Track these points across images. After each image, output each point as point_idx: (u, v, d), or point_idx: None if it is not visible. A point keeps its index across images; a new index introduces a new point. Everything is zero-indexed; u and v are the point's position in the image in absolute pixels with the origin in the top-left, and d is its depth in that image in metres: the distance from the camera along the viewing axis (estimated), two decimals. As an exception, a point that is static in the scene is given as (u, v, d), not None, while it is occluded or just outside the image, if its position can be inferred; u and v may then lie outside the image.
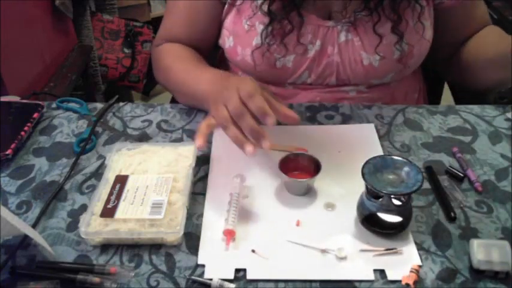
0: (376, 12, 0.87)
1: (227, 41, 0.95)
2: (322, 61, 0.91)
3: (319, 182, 0.73)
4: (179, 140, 0.84)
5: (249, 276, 0.61)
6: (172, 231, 0.64)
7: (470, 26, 0.98)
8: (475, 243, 0.62)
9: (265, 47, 0.89)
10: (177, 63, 0.93)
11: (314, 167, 0.72)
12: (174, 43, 0.98)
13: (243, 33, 0.91)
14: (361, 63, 0.90)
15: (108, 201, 0.68)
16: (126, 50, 2.11)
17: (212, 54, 1.05)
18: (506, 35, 0.93)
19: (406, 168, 0.64)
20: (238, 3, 0.91)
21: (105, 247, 0.65)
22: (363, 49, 0.89)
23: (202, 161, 0.78)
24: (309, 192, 0.72)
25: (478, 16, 0.98)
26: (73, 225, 0.68)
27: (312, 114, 0.89)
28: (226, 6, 0.93)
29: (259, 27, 0.88)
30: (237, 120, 0.68)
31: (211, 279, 0.60)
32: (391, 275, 0.60)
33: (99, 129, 0.86)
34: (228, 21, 0.93)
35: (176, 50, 0.97)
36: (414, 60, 0.92)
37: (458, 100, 1.15)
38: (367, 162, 0.64)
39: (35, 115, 0.87)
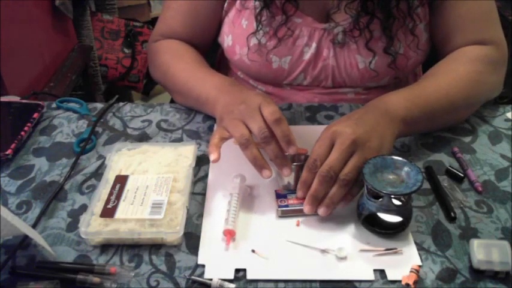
0: (368, 30, 0.85)
1: (226, 40, 0.94)
2: (318, 64, 0.91)
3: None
4: (179, 140, 0.84)
5: (249, 276, 0.61)
6: (172, 231, 0.64)
7: (448, 29, 0.88)
8: (475, 243, 0.62)
9: (260, 35, 0.88)
10: (176, 61, 0.91)
11: None
12: (172, 39, 0.95)
13: (241, 32, 0.91)
14: (357, 67, 0.90)
15: (108, 201, 0.68)
16: (126, 50, 2.11)
17: (212, 53, 1.04)
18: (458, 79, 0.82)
19: (406, 168, 0.64)
20: (238, 3, 0.91)
21: (105, 247, 0.65)
22: (358, 52, 0.89)
23: (202, 161, 0.78)
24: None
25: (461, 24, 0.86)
26: (73, 225, 0.68)
27: (311, 114, 0.89)
28: (226, 3, 0.92)
29: (255, 13, 0.87)
30: (263, 144, 0.67)
31: (211, 279, 0.60)
32: (391, 275, 0.60)
33: (99, 129, 0.86)
34: (228, 20, 0.93)
35: (175, 47, 0.94)
36: (410, 67, 0.92)
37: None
38: (367, 162, 0.64)
39: (35, 115, 0.87)
